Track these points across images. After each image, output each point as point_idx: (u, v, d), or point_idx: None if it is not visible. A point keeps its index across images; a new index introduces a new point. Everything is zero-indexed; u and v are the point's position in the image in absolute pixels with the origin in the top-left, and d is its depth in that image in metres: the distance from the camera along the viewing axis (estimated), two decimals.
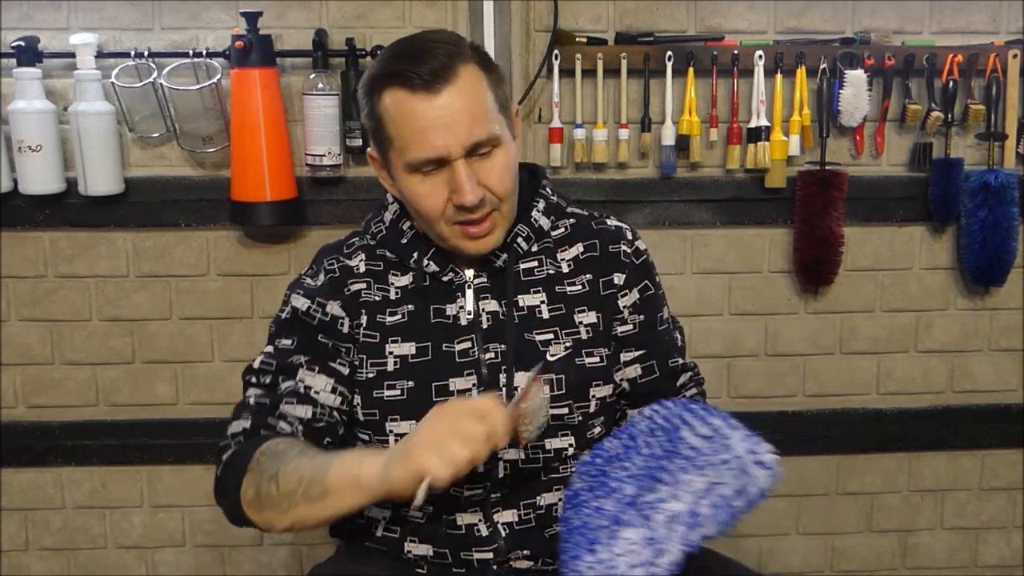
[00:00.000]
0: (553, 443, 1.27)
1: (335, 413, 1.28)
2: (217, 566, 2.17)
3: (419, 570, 1.29)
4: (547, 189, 1.37)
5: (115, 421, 2.10)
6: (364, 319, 1.30)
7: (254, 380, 1.29)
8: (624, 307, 1.33)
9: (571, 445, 1.28)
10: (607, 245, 1.35)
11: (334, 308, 1.30)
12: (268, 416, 1.26)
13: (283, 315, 1.33)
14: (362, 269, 1.33)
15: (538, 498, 1.28)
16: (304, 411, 1.26)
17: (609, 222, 1.38)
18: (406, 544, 1.29)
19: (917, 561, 2.26)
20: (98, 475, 2.12)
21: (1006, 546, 2.27)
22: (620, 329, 1.33)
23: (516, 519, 1.28)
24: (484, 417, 1.05)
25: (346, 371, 1.29)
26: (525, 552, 1.28)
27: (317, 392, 1.26)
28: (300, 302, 1.31)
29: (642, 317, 1.34)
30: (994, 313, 2.16)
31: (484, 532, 1.27)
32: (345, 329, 1.30)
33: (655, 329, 1.35)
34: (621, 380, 1.34)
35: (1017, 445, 2.21)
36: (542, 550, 1.28)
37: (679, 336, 1.40)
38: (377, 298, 1.30)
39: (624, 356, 1.34)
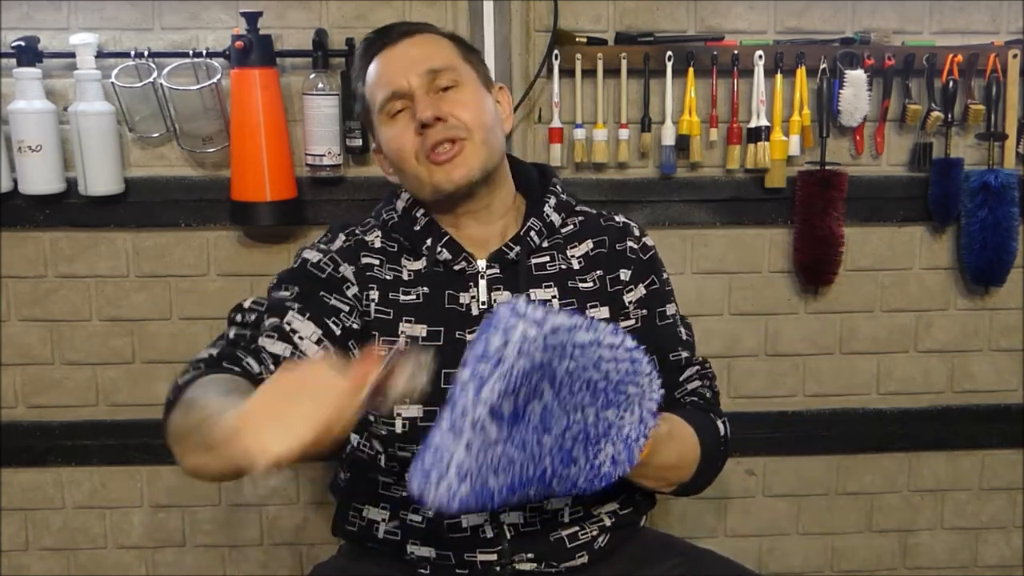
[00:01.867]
0: None
1: None
2: (217, 566, 2.17)
3: (421, 571, 1.30)
4: (558, 187, 1.39)
5: (115, 421, 2.09)
6: (376, 294, 1.29)
7: (239, 318, 1.24)
8: (629, 303, 1.34)
9: None
10: (615, 242, 1.36)
11: (346, 271, 1.30)
12: (240, 349, 1.18)
13: (291, 267, 1.31)
14: (377, 245, 1.33)
15: (545, 501, 1.28)
16: (282, 348, 1.19)
17: (617, 219, 1.40)
18: (408, 545, 1.29)
19: (917, 561, 2.26)
20: (98, 475, 2.12)
21: (1006, 546, 2.27)
22: (624, 324, 1.33)
23: (522, 520, 1.28)
24: (316, 397, 0.86)
25: (338, 332, 1.24)
26: (529, 555, 1.28)
27: (301, 337, 1.21)
28: (313, 255, 1.31)
29: (645, 312, 1.35)
30: (994, 313, 2.16)
31: (490, 533, 1.27)
32: (350, 293, 1.28)
33: (657, 324, 1.36)
34: None
35: (1017, 445, 2.21)
36: (546, 552, 1.28)
37: (685, 331, 1.39)
38: (389, 277, 1.30)
39: None
